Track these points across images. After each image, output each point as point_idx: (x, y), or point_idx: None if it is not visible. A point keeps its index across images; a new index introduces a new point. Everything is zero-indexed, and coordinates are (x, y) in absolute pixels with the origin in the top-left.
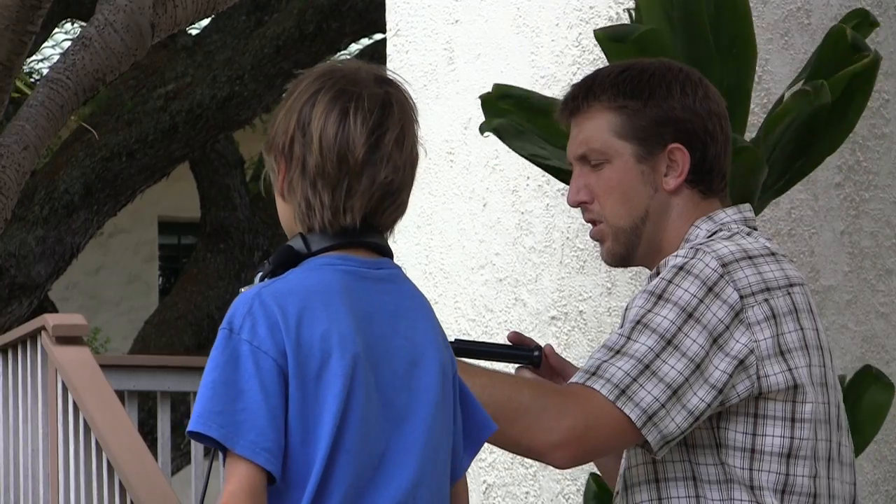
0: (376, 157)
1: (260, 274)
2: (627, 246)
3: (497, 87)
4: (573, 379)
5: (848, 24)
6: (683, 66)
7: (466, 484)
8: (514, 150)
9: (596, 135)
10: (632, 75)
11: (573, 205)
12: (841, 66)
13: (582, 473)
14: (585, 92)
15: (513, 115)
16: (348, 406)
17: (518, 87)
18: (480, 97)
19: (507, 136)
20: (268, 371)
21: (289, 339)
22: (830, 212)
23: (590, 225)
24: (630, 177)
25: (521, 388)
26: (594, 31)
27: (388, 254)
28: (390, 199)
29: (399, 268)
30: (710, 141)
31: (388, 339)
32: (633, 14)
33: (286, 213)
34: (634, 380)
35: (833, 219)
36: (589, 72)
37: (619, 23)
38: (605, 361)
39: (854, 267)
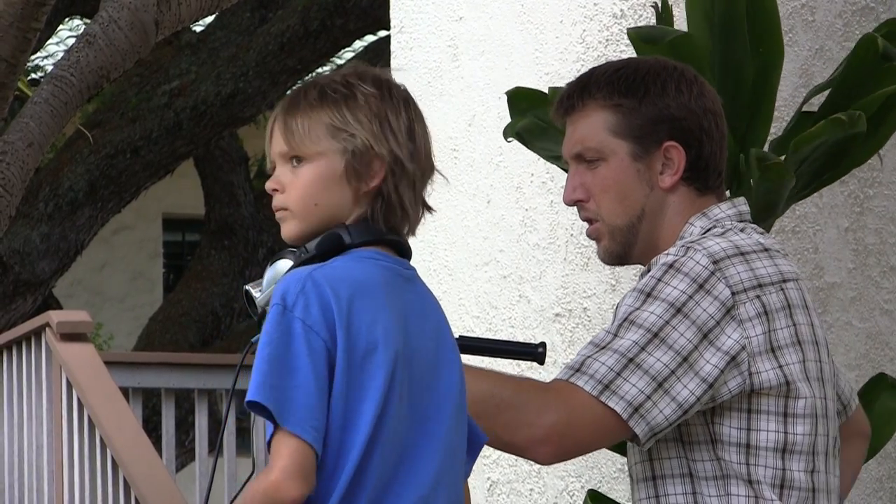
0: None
1: (285, 260)
2: (624, 244)
3: (552, 89)
4: (557, 375)
5: (881, 32)
6: (678, 64)
7: (468, 487)
8: (536, 152)
9: (591, 133)
10: (627, 73)
11: (569, 203)
12: (870, 75)
13: (587, 470)
14: (581, 90)
15: (546, 111)
16: (387, 400)
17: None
18: (507, 94)
19: (530, 137)
20: (318, 352)
21: (340, 322)
22: (835, 209)
23: None
24: (626, 175)
25: (504, 384)
26: (627, 29)
27: (409, 255)
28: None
29: (415, 269)
30: (705, 138)
31: (418, 338)
32: (660, 8)
33: (339, 201)
34: (618, 374)
35: (837, 216)
36: None
37: (622, 19)
38: (589, 357)
39: (858, 264)
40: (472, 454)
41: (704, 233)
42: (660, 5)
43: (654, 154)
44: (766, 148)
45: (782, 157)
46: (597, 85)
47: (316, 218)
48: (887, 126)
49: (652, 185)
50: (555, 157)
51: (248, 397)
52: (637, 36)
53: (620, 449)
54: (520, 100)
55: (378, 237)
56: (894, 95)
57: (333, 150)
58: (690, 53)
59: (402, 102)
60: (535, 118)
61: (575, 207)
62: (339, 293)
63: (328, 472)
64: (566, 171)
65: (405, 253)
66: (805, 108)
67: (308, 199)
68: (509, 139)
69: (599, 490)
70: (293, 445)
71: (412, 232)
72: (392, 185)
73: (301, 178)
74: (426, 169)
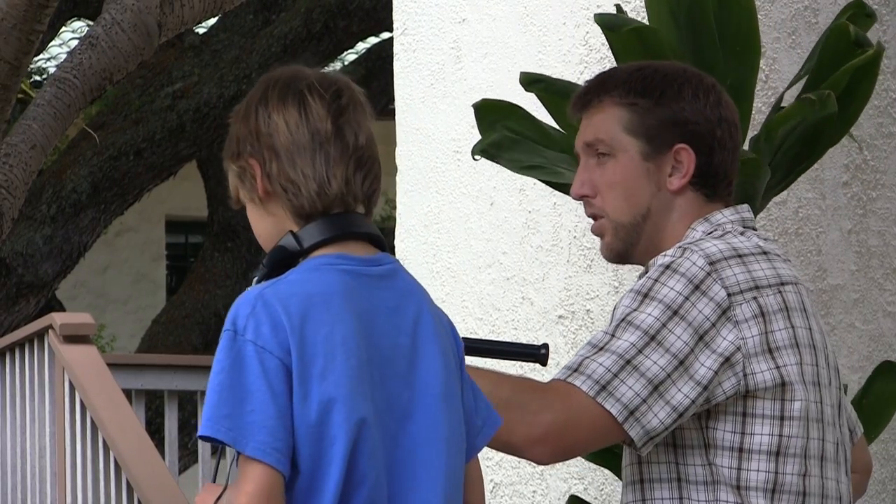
0: (342, 121)
1: (256, 278)
2: (626, 242)
3: (524, 74)
4: (555, 375)
5: (844, 16)
6: (699, 72)
7: (479, 464)
8: (505, 165)
9: (605, 127)
10: (645, 74)
11: (576, 197)
12: (843, 63)
13: (590, 472)
14: (598, 87)
15: (516, 122)
16: (357, 407)
17: (544, 75)
18: (474, 106)
19: (499, 151)
20: (274, 370)
21: (293, 337)
22: (838, 211)
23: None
24: (634, 173)
25: (502, 383)
26: (594, 14)
27: (382, 245)
28: (366, 165)
29: (397, 261)
30: (717, 146)
31: (389, 336)
32: (619, 8)
33: (265, 223)
34: (615, 375)
35: (840, 218)
36: (596, 71)
37: None
38: (587, 358)
39: (861, 266)
40: (486, 434)
41: (706, 236)
42: (619, 4)
43: (665, 156)
44: (746, 145)
45: (757, 146)
46: (615, 82)
47: (266, 246)
48: (857, 101)
49: (659, 186)
50: (526, 168)
51: (200, 431)
52: (602, 22)
53: (595, 458)
54: (487, 112)
55: (336, 233)
56: (861, 69)
57: (236, 185)
58: (655, 45)
59: (251, 101)
60: (506, 130)
61: (579, 207)
62: (291, 309)
63: (305, 490)
64: (542, 180)
65: (379, 244)
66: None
67: (260, 239)
68: (476, 157)
69: (601, 492)
70: (257, 470)
71: (363, 186)
72: (273, 170)
73: (252, 221)
74: (298, 137)
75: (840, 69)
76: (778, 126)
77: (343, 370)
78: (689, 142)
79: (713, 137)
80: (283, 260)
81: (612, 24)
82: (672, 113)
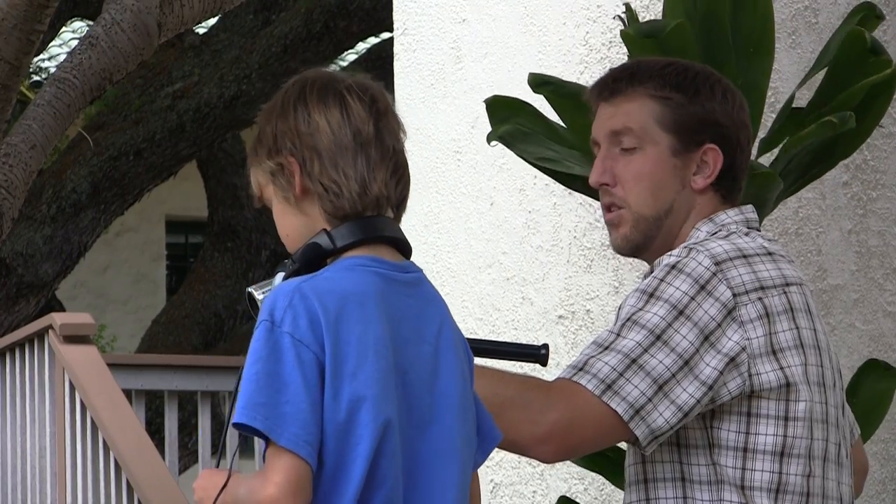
0: (382, 125)
1: (282, 273)
2: (646, 235)
3: (533, 75)
4: (560, 374)
5: (854, 18)
6: (721, 74)
7: (478, 479)
8: (519, 154)
9: (637, 117)
10: (678, 70)
11: (595, 185)
12: (857, 68)
13: (590, 473)
14: (630, 76)
15: (526, 118)
16: (384, 410)
17: (553, 77)
18: (485, 101)
19: (514, 140)
20: (309, 364)
21: (329, 334)
22: (838, 211)
23: (597, 224)
24: (662, 168)
25: (507, 382)
26: (621, 31)
27: (409, 251)
28: (400, 170)
29: (421, 271)
30: (739, 151)
31: (414, 343)
32: (625, 16)
33: (296, 222)
34: (621, 374)
35: (840, 218)
36: (596, 71)
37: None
38: (592, 357)
39: (861, 266)
40: (485, 450)
41: (711, 237)
42: (625, 18)
43: (693, 154)
44: (755, 148)
45: (773, 158)
46: (648, 74)
47: (292, 246)
48: (872, 117)
49: (684, 184)
50: (538, 158)
51: (235, 419)
52: (636, 33)
53: (588, 462)
54: (498, 108)
55: (366, 236)
56: (878, 86)
57: (266, 183)
58: (680, 48)
59: (288, 99)
60: (517, 125)
61: (583, 208)
62: (328, 305)
63: (328, 485)
64: (555, 172)
65: (406, 249)
66: (794, 104)
67: (287, 239)
68: (493, 143)
69: (601, 492)
70: (288, 461)
71: (396, 190)
72: (315, 170)
73: (280, 220)
74: (341, 138)
75: (858, 84)
76: (796, 144)
77: (373, 371)
78: (718, 142)
79: (737, 142)
80: (315, 258)
81: (651, 32)
82: (705, 112)
